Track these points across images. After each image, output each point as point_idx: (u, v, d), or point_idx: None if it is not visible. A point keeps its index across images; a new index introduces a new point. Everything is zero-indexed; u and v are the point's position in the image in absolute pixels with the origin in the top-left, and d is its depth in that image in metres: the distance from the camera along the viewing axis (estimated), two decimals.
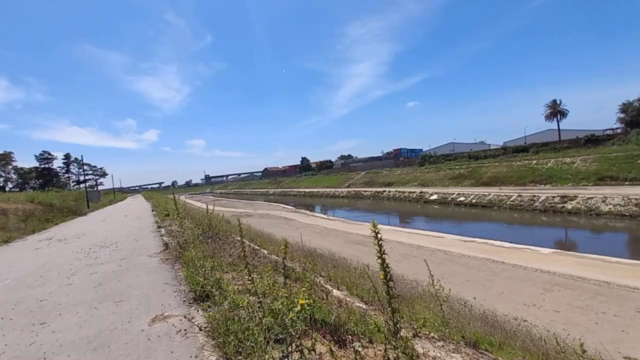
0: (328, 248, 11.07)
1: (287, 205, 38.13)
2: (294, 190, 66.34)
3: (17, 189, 63.62)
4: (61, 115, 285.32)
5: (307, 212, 29.58)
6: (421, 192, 37.01)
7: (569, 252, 9.79)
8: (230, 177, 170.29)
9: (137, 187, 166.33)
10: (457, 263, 9.70)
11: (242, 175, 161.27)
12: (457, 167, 43.70)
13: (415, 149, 75.44)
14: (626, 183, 25.30)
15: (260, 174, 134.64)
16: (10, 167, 70.25)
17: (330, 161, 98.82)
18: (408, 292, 5.42)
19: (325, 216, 24.55)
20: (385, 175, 52.35)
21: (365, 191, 46.95)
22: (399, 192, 40.85)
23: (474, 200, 29.19)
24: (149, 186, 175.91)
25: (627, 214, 18.66)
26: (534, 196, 25.17)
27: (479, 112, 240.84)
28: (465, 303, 5.55)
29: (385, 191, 43.49)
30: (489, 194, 28.99)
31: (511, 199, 26.44)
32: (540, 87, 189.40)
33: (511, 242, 11.95)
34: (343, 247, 12.89)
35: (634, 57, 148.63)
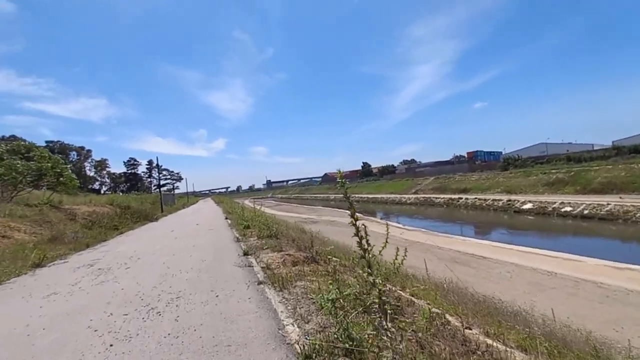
0: (418, 267, 8.71)
1: None
2: (356, 196, 64.02)
3: (110, 192, 72.52)
4: (147, 128, 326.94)
5: (378, 220, 27.11)
6: (509, 201, 31.82)
7: None
8: (290, 182, 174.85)
9: (206, 191, 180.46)
10: (628, 303, 6.56)
11: (301, 181, 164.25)
12: (553, 171, 36.99)
13: (494, 152, 67.13)
14: None
15: (319, 179, 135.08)
16: (105, 172, 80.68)
17: (392, 166, 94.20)
18: None
19: (400, 225, 21.89)
20: (459, 180, 47.08)
21: (436, 198, 42.61)
22: (479, 199, 35.91)
23: (586, 211, 23.66)
24: (217, 190, 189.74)
25: None
26: None
27: (566, 110, 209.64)
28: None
29: (461, 198, 38.76)
30: (608, 204, 23.21)
31: None
32: None
33: None
34: (439, 266, 10.30)
35: None
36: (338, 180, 2.28)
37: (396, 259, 3.29)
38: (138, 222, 18.71)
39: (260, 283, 5.11)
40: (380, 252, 2.72)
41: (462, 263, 12.13)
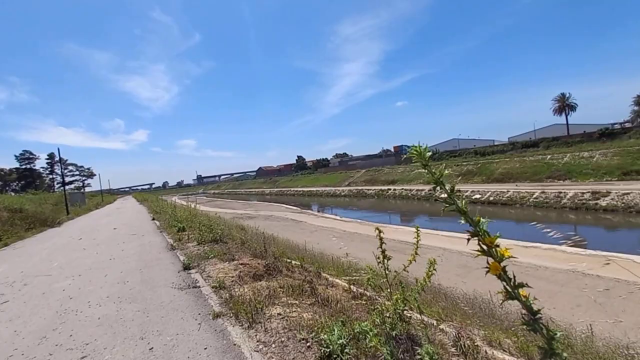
0: (362, 258, 8.90)
1: (289, 205, 35.79)
2: (291, 189, 64.03)
3: None
4: (46, 116, 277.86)
5: (316, 212, 27.33)
6: (430, 190, 35.02)
7: None
8: (223, 177, 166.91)
9: (126, 189, 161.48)
10: (539, 278, 7.61)
11: (235, 175, 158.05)
12: (464, 163, 41.95)
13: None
14: None
15: (254, 173, 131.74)
16: None
17: (326, 159, 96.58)
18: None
19: (338, 217, 22.35)
20: (388, 173, 50.41)
21: (368, 190, 44.92)
22: (406, 190, 38.92)
23: (491, 198, 27.35)
24: (139, 187, 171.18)
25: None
26: (560, 192, 23.36)
27: (474, 109, 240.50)
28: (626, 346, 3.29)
29: (390, 189, 41.52)
30: (508, 191, 27.17)
31: (534, 195, 24.61)
32: (541, 83, 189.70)
33: (581, 248, 9.90)
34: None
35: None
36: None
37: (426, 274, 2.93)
38: (32, 228, 15.06)
39: (217, 316, 3.55)
40: (382, 260, 2.29)
41: (399, 251, 12.70)
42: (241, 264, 5.58)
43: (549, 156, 34.20)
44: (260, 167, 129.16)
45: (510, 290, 1.12)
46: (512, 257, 1.12)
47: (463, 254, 9.98)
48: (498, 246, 1.14)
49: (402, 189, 40.05)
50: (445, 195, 1.38)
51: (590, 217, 19.53)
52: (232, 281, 4.71)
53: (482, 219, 1.20)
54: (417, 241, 2.32)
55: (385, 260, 1.93)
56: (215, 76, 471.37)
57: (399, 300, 1.91)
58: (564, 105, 46.05)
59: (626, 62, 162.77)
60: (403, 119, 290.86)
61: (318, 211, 30.83)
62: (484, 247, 1.17)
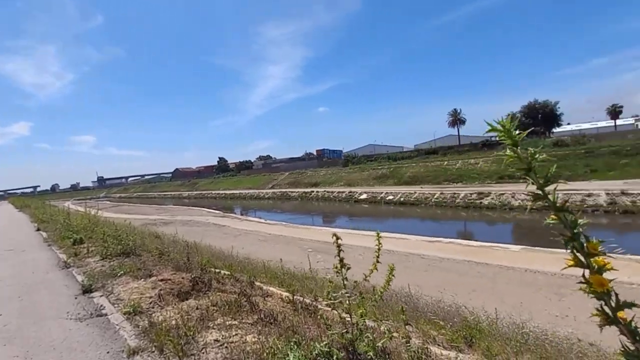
0: (287, 260, 9.07)
1: (210, 209, 33.85)
2: (212, 192, 60.65)
3: None
4: None
5: (239, 216, 26.43)
6: (350, 192, 37.35)
7: (535, 248, 9.91)
8: (131, 179, 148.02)
9: (1, 193, 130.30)
10: (443, 269, 8.87)
11: (146, 177, 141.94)
12: (379, 167, 45.78)
13: (337, 150, 77.40)
14: (520, 180, 29.23)
15: (169, 175, 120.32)
16: None
17: (249, 161, 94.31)
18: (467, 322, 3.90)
19: (262, 220, 22.04)
20: (311, 175, 51.84)
21: (292, 192, 45.46)
22: (328, 192, 40.60)
23: (402, 199, 30.48)
24: (19, 191, 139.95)
25: (533, 207, 21.37)
26: (455, 193, 27.40)
27: (388, 117, 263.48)
28: (520, 326, 4.26)
29: (313, 191, 42.78)
30: (415, 192, 30.66)
31: (435, 196, 28.33)
32: (441, 98, 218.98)
33: (476, 241, 11.87)
34: (303, 257, 10.94)
35: (512, 77, 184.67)
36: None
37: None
38: None
39: (134, 353, 2.73)
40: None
41: (323, 252, 13.34)
42: (161, 280, 4.71)
43: (445, 162, 39.75)
44: (177, 169, 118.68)
45: (610, 313, 0.83)
46: (612, 269, 0.84)
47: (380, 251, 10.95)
48: (598, 254, 0.84)
49: (325, 191, 41.68)
50: (535, 188, 1.01)
51: (477, 214, 23.41)
52: (151, 303, 3.88)
53: (579, 220, 0.89)
54: (379, 247, 2.13)
55: (344, 270, 1.74)
56: (122, 66, 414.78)
57: (361, 313, 1.73)
58: (456, 119, 54.54)
59: (502, 86, 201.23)
60: (324, 124, 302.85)
61: (242, 214, 29.93)
62: (581, 256, 0.87)
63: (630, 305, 0.83)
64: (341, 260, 1.78)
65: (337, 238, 1.76)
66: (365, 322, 1.64)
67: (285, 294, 4.59)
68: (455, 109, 55.83)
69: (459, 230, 20.14)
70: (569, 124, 54.00)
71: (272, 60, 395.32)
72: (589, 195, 20.25)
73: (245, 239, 15.63)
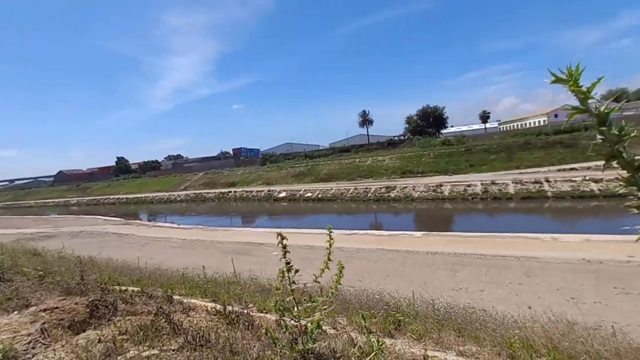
0: (207, 265, 8.69)
1: (108, 216, 29.40)
2: (110, 197, 52.82)
3: None
4: None
5: (146, 222, 23.63)
6: (269, 191, 37.17)
7: (433, 233, 11.54)
8: None
9: None
10: (361, 258, 9.66)
11: (17, 182, 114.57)
12: (297, 165, 46.64)
13: (254, 149, 75.74)
14: (419, 175, 33.63)
15: (51, 179, 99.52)
16: None
17: (156, 161, 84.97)
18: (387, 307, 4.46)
19: (175, 225, 20.23)
20: (227, 175, 49.80)
21: (207, 193, 42.91)
22: (246, 191, 39.63)
23: (320, 195, 31.76)
24: None
25: (430, 198, 24.85)
26: (367, 188, 29.85)
27: (305, 116, 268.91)
28: (432, 303, 5.06)
29: (230, 192, 41.20)
30: (332, 189, 32.28)
31: (350, 192, 30.38)
32: (352, 99, 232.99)
33: (386, 230, 13.18)
34: (225, 261, 10.56)
35: (411, 85, 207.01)
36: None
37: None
38: None
39: None
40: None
41: (244, 253, 13.09)
42: (45, 310, 3.58)
43: (357, 160, 42.85)
44: (60, 171, 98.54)
45: None
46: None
47: (303, 248, 11.33)
48: None
49: (243, 190, 40.51)
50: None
51: (385, 206, 25.98)
52: (30, 342, 2.92)
53: None
54: (330, 244, 1.99)
55: (290, 274, 1.64)
56: None
57: (316, 321, 1.63)
58: (365, 120, 59.21)
59: (403, 93, 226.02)
60: (240, 122, 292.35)
61: (149, 220, 26.92)
62: None
63: None
64: (288, 263, 1.55)
65: (283, 238, 1.61)
66: (320, 329, 1.49)
67: (210, 305, 4.26)
68: (364, 110, 60.59)
69: (371, 222, 22.06)
70: (452, 126, 64.02)
71: (178, 51, 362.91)
72: (469, 185, 24.46)
73: (155, 247, 14.22)
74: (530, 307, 4.93)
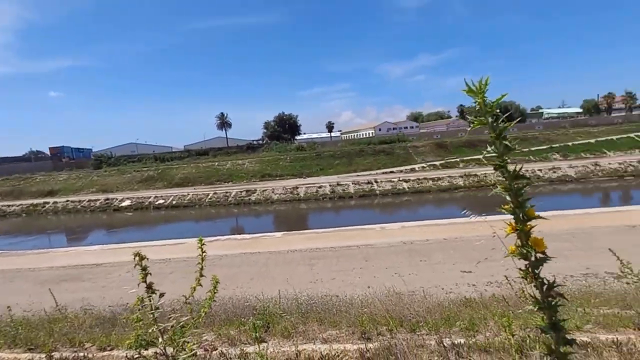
0: (14, 302, 6.71)
1: None
2: None
3: None
4: None
5: None
6: (107, 200, 31.08)
7: (292, 232, 12.59)
8: None
9: None
10: (224, 265, 9.56)
11: None
12: (145, 169, 40.81)
13: (84, 149, 60.64)
14: (277, 178, 35.34)
15: None
16: None
17: None
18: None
19: None
20: (43, 181, 38.56)
21: (9, 207, 31.94)
22: (73, 202, 31.77)
23: (174, 202, 28.88)
24: None
25: (288, 199, 26.61)
26: (227, 192, 29.20)
27: (152, 114, 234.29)
28: (295, 298, 5.62)
29: (48, 203, 32.00)
30: (188, 194, 29.92)
31: (209, 196, 28.95)
32: (210, 100, 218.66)
33: (248, 234, 13.39)
34: (43, 294, 8.25)
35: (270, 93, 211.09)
36: None
37: None
38: None
39: None
40: None
41: (72, 279, 10.59)
42: None
43: (216, 163, 41.20)
44: None
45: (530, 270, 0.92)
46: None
47: (156, 262, 10.23)
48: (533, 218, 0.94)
49: (68, 200, 32.13)
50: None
51: (246, 209, 26.13)
52: None
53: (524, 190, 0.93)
54: (203, 257, 1.66)
55: (154, 298, 1.23)
56: None
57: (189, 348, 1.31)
58: (224, 122, 57.51)
59: (262, 98, 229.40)
60: (61, 115, 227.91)
61: None
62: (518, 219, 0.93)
63: (544, 259, 0.89)
64: (149, 285, 1.26)
65: (142, 258, 1.33)
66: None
67: (26, 356, 3.34)
68: (222, 113, 58.65)
69: (233, 226, 21.77)
70: (305, 133, 70.45)
71: None
72: (320, 187, 27.62)
73: None
74: (369, 287, 6.19)
